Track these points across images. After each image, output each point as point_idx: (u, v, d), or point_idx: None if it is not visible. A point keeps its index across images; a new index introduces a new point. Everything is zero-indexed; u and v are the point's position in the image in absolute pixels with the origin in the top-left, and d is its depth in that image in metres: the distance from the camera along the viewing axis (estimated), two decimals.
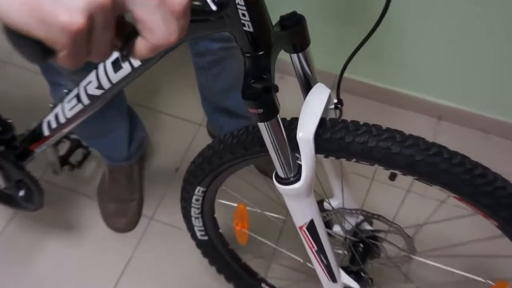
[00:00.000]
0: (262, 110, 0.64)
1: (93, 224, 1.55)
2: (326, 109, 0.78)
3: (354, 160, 0.74)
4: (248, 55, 0.63)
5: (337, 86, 0.77)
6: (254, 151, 0.82)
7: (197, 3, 0.42)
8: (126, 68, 0.71)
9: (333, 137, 0.72)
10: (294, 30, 0.68)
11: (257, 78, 0.63)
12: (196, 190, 1.01)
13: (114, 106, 1.35)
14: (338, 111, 0.79)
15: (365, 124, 0.73)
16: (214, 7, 0.42)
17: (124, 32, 0.41)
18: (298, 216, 0.80)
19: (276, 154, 0.72)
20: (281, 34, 0.67)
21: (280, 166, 0.74)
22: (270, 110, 0.65)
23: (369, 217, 0.95)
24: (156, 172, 1.63)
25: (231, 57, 1.28)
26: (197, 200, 1.04)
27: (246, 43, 0.62)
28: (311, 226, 0.81)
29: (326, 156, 0.77)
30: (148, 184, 1.61)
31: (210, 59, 1.30)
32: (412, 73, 1.60)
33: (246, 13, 0.59)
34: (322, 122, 0.73)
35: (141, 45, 0.40)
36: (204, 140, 1.66)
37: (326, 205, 0.99)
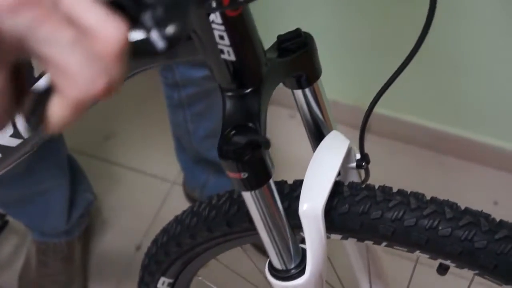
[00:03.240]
0: (246, 175, 0.65)
1: None
2: (344, 169, 0.78)
3: (384, 244, 0.74)
4: (228, 94, 0.64)
5: (360, 133, 0.77)
6: (241, 228, 0.82)
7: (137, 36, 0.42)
8: None
9: (353, 211, 0.72)
10: (298, 56, 0.70)
11: (240, 128, 0.63)
12: (160, 282, 1.00)
13: (48, 155, 1.36)
14: (362, 171, 0.79)
15: (400, 192, 0.73)
16: (161, 45, 0.41)
17: (26, 90, 0.40)
18: None
19: (269, 236, 0.72)
20: (278, 62, 0.68)
21: (276, 253, 0.74)
22: (258, 174, 0.66)
23: None
24: (107, 252, 1.62)
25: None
26: None
27: (226, 77, 0.63)
28: None
29: (345, 238, 0.76)
30: (96, 270, 1.60)
31: (190, 93, 1.32)
32: (485, 111, 1.61)
33: (224, 34, 0.60)
34: (338, 188, 0.74)
35: (57, 105, 0.39)
36: (178, 205, 1.65)
37: None
